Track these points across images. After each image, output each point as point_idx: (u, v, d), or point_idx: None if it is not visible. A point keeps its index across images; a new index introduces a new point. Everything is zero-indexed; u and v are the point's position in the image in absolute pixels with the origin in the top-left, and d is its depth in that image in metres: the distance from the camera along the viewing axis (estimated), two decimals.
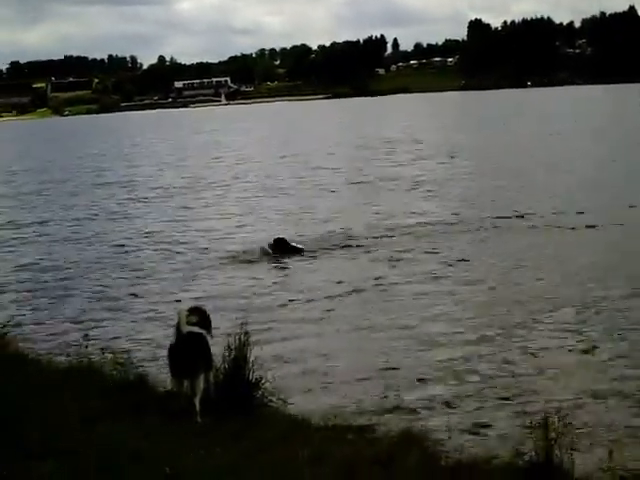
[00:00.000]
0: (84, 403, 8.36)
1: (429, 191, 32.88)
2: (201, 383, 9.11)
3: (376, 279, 18.54)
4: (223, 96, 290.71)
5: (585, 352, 13.04)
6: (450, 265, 19.58)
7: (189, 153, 60.65)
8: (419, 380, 12.15)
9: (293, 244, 21.92)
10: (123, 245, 24.73)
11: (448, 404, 11.13)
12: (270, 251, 21.44)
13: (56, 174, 49.42)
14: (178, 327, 9.22)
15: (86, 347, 10.98)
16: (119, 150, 72.31)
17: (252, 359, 9.53)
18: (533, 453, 8.07)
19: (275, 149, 58.64)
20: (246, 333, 9.63)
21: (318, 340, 14.30)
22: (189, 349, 9.09)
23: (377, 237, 23.51)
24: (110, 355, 11.11)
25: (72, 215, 31.69)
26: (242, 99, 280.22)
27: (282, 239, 21.77)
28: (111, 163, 56.49)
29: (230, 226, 27.12)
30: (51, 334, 15.27)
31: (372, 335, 14.49)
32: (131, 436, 7.15)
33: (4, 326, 12.40)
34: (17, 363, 10.56)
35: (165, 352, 9.58)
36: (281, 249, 21.41)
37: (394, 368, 12.64)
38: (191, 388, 9.11)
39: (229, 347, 9.55)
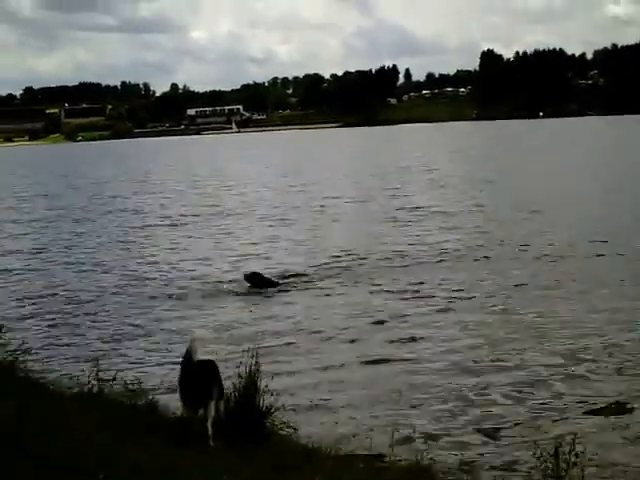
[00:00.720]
0: (98, 428, 8.36)
1: (444, 222, 32.83)
2: (213, 410, 9.15)
3: (378, 311, 18.54)
4: (234, 124, 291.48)
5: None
6: (451, 296, 19.55)
7: (200, 181, 60.55)
8: (429, 411, 12.12)
9: (268, 277, 21.82)
10: (129, 274, 24.68)
11: (457, 435, 11.11)
12: (247, 284, 21.51)
13: (66, 200, 49.49)
14: (189, 355, 9.26)
15: (96, 374, 10.97)
16: (131, 176, 72.43)
17: (262, 387, 9.57)
18: None
19: (285, 178, 58.53)
20: (256, 362, 9.67)
21: (327, 370, 14.28)
22: (201, 377, 9.15)
23: (376, 267, 23.55)
24: (121, 382, 11.13)
25: (81, 243, 31.72)
26: (254, 127, 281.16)
27: (256, 273, 21.75)
28: (123, 190, 56.50)
29: (228, 255, 27.02)
30: (61, 360, 15.31)
31: (381, 365, 14.45)
32: (142, 461, 7.15)
33: (15, 351, 12.44)
34: (27, 388, 10.57)
35: (175, 379, 9.65)
36: (255, 283, 21.41)
37: (404, 398, 12.63)
38: (204, 412, 9.19)
39: (239, 376, 9.61)
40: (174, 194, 52.03)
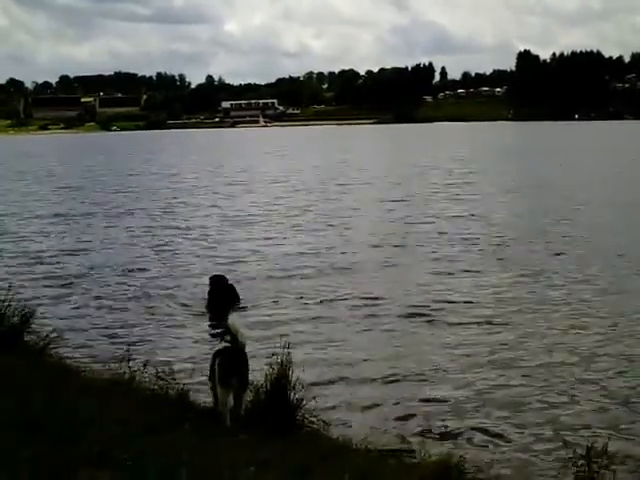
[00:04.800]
0: (128, 416, 8.36)
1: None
2: (235, 399, 9.39)
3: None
4: (261, 118, 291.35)
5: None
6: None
7: (234, 178, 59.68)
8: (459, 407, 12.03)
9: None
10: (170, 263, 24.61)
11: (489, 433, 11.01)
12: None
13: (103, 194, 49.07)
14: (234, 338, 9.34)
15: (128, 360, 10.99)
16: (163, 169, 72.28)
17: (294, 380, 9.55)
18: None
19: (321, 178, 57.62)
20: (288, 354, 9.65)
21: (358, 364, 14.20)
22: (244, 361, 9.38)
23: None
24: (152, 370, 11.14)
25: (112, 239, 31.29)
26: (288, 121, 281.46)
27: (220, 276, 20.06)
28: (152, 184, 55.85)
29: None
30: (93, 346, 15.32)
31: (416, 362, 14.36)
32: (175, 450, 7.13)
33: (46, 337, 12.50)
34: (60, 375, 10.60)
35: (209, 364, 9.70)
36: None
37: (436, 395, 12.55)
38: (238, 399, 9.38)
39: (271, 367, 9.60)
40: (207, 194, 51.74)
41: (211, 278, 19.81)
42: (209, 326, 17.32)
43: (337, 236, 29.33)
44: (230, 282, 19.72)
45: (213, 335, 10.61)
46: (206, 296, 19.23)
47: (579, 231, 28.92)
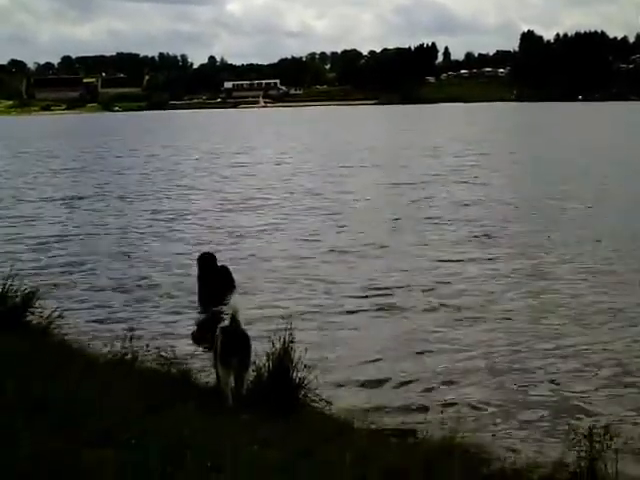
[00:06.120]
0: (130, 395, 8.36)
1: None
2: (236, 379, 9.46)
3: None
4: (261, 98, 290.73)
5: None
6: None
7: (239, 160, 59.15)
8: (462, 387, 12.04)
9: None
10: (177, 244, 24.61)
11: (492, 412, 11.03)
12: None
13: (109, 176, 48.75)
14: (235, 320, 9.39)
15: (130, 340, 10.99)
16: (165, 153, 72.00)
17: (296, 359, 9.55)
18: (577, 465, 7.96)
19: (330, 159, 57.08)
20: (290, 334, 9.64)
21: (360, 345, 14.20)
22: (246, 341, 9.45)
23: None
24: (154, 349, 11.16)
25: (112, 222, 31.14)
26: (291, 102, 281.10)
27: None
28: (151, 165, 55.41)
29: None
30: (96, 327, 15.30)
31: (416, 340, 14.36)
32: (178, 429, 7.13)
33: (49, 316, 12.52)
34: (62, 355, 10.60)
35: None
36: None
37: (438, 374, 12.56)
38: (240, 379, 9.44)
39: (273, 346, 9.59)
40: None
41: (200, 259, 18.64)
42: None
43: (338, 219, 29.23)
44: (223, 263, 18.88)
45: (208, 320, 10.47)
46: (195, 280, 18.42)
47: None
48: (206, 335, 9.78)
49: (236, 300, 10.74)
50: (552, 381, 12.16)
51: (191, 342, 10.72)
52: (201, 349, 10.81)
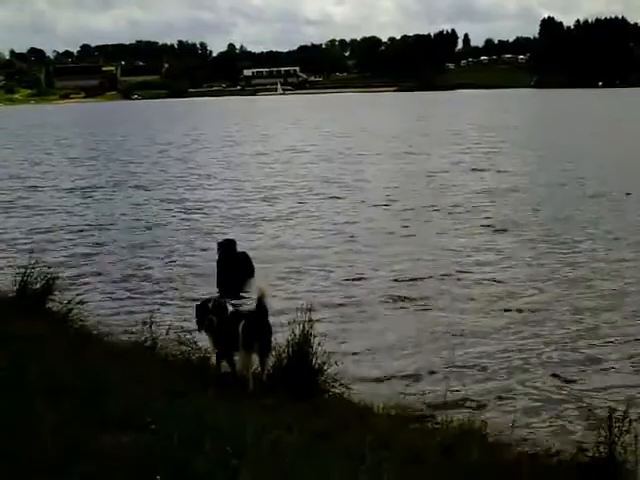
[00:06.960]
0: (150, 380, 8.40)
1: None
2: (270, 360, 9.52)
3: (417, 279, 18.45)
4: (279, 85, 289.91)
5: None
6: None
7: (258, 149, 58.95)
8: (481, 373, 12.06)
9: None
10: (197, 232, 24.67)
11: (511, 398, 11.04)
12: None
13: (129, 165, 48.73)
14: (261, 302, 9.41)
15: (150, 325, 11.02)
16: (181, 140, 72.03)
17: (316, 345, 9.56)
18: (595, 449, 7.96)
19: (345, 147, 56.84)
20: (310, 320, 9.65)
21: (381, 333, 14.19)
22: (268, 325, 9.45)
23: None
24: (174, 335, 11.19)
25: (132, 211, 31.31)
26: (310, 89, 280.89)
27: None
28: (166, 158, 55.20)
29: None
30: (114, 314, 15.35)
31: (435, 330, 14.33)
32: (200, 413, 7.17)
33: (69, 302, 12.57)
34: (82, 341, 10.65)
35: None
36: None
37: (458, 362, 12.54)
38: (261, 363, 9.47)
39: (293, 332, 9.60)
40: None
41: (220, 244, 18.78)
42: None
43: (358, 207, 29.16)
44: (243, 250, 19.03)
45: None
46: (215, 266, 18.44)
47: None
48: (204, 319, 9.67)
49: (262, 284, 10.62)
50: (572, 368, 12.14)
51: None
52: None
